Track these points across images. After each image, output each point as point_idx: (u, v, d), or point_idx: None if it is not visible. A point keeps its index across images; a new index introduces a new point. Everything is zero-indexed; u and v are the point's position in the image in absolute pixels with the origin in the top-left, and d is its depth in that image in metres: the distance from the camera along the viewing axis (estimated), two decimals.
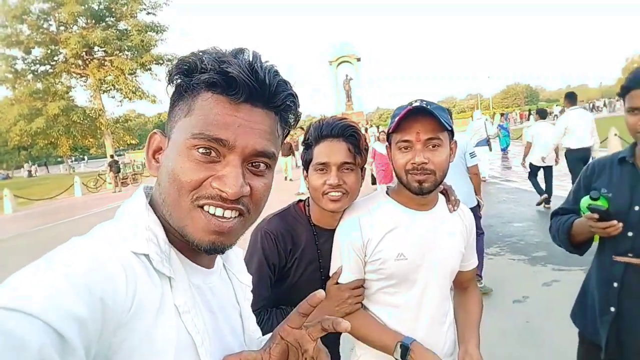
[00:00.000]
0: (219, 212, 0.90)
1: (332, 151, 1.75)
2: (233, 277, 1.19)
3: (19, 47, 30.39)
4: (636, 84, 1.91)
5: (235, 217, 0.93)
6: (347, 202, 1.78)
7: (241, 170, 0.90)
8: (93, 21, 32.02)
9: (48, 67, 32.53)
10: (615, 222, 1.91)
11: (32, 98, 30.72)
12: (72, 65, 32.15)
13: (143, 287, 0.80)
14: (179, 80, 0.92)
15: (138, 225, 0.89)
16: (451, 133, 1.72)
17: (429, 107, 1.60)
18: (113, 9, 32.40)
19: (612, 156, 2.19)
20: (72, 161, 60.48)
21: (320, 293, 0.98)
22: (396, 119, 1.64)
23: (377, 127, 29.52)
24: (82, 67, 32.53)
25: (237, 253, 1.28)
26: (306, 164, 1.87)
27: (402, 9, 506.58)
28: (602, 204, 2.00)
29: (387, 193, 1.89)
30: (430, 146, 1.64)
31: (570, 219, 2.21)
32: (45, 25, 31.16)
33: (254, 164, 0.95)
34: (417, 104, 1.63)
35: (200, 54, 0.91)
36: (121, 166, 29.63)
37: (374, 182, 11.41)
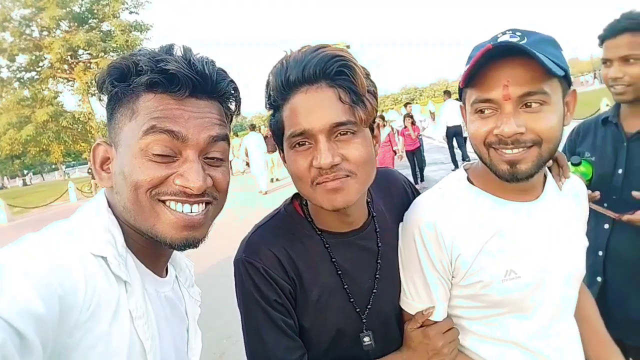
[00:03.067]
0: (186, 208, 0.92)
1: (311, 108, 1.06)
2: (184, 290, 1.18)
3: (2, 55, 30.04)
4: (610, 33, 1.81)
5: (203, 210, 0.94)
6: (358, 188, 1.11)
7: (200, 165, 0.91)
8: (75, 24, 31.64)
9: (34, 73, 32.24)
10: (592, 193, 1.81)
11: (20, 106, 30.49)
12: (57, 70, 31.80)
13: (101, 289, 0.80)
14: (114, 89, 0.91)
15: (97, 226, 0.88)
16: (566, 78, 1.12)
17: (521, 41, 1.05)
18: (95, 10, 31.99)
19: (597, 117, 2.09)
20: (66, 167, 60.12)
21: None
22: (467, 67, 1.09)
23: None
24: (68, 72, 32.18)
25: (189, 265, 1.27)
26: (277, 137, 1.19)
27: None
28: (584, 168, 1.92)
29: (468, 180, 1.32)
30: (525, 105, 1.08)
31: None
32: (27, 32, 30.79)
33: (208, 157, 0.96)
34: (506, 37, 1.09)
35: (132, 56, 0.91)
36: None
37: None
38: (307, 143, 1.08)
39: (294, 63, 1.08)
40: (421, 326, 1.27)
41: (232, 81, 1.01)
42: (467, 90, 1.18)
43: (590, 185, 1.88)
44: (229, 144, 1.02)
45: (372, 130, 1.16)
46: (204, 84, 0.93)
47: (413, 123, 12.03)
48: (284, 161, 1.20)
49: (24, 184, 60.82)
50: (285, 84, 1.09)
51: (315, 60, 1.05)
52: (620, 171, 1.88)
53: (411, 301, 1.30)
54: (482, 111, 1.13)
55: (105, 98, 0.96)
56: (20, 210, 21.88)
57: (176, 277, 1.16)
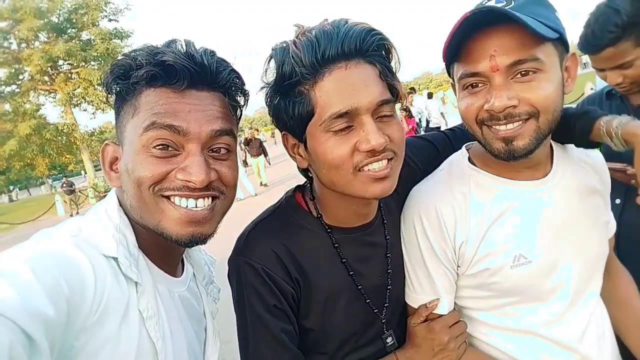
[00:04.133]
0: (191, 203, 0.90)
1: (355, 85, 0.95)
2: (201, 288, 1.16)
3: None
4: (587, 50, 1.74)
5: (209, 204, 0.93)
6: (398, 172, 1.07)
7: (203, 158, 0.90)
8: (54, 34, 31.22)
9: (14, 87, 31.78)
10: None
11: (2, 121, 30.18)
12: (38, 82, 31.40)
13: (111, 291, 0.81)
14: (118, 87, 0.92)
15: (109, 226, 0.89)
16: (562, 41, 1.03)
17: (507, 5, 0.96)
18: (74, 20, 31.57)
19: (601, 91, 2.03)
20: (52, 181, 59.50)
21: None
22: (446, 39, 1.02)
23: None
24: (49, 83, 31.76)
25: (209, 261, 1.25)
26: (298, 125, 1.03)
27: None
28: None
29: (469, 160, 1.24)
30: (519, 74, 1.00)
31: None
32: (5, 44, 30.34)
33: (214, 150, 0.95)
34: (491, 3, 0.99)
35: (132, 52, 0.92)
36: (91, 188, 25.16)
37: None
38: (350, 125, 0.97)
39: (327, 37, 0.96)
40: (425, 320, 1.20)
41: (233, 70, 0.98)
42: (454, 65, 1.09)
43: None
44: (235, 138, 0.98)
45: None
46: (203, 74, 0.91)
47: (410, 116, 11.88)
48: (295, 154, 1.09)
49: (10, 200, 60.04)
50: (319, 60, 0.95)
51: (354, 34, 0.95)
52: None
53: (414, 294, 1.23)
54: (471, 86, 1.05)
55: (112, 99, 0.97)
56: (7, 226, 21.63)
57: (194, 274, 1.14)
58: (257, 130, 19.21)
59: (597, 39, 1.65)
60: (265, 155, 16.16)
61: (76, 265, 0.76)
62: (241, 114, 1.06)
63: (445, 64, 1.14)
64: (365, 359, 1.18)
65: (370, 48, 0.97)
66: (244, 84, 1.03)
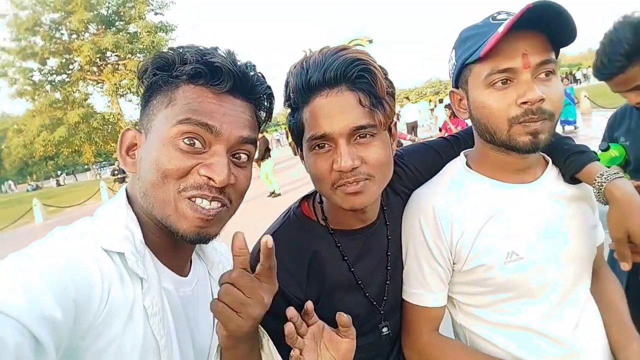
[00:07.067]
0: (205, 203, 0.91)
1: (331, 112, 1.05)
2: (215, 289, 1.13)
3: (34, 58, 31.03)
4: (600, 78, 1.82)
5: (219, 207, 0.94)
6: (376, 190, 1.12)
7: (227, 160, 0.92)
8: (103, 27, 32.34)
9: (64, 76, 33.17)
10: None
11: (52, 108, 31.46)
12: (87, 73, 32.65)
13: (116, 292, 0.80)
14: (155, 76, 0.93)
15: (116, 223, 0.90)
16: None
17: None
18: (122, 12, 32.66)
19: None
20: (98, 167, 61.63)
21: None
22: (493, 37, 1.05)
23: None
24: (97, 74, 32.98)
25: (224, 261, 1.25)
26: (297, 137, 1.18)
27: None
28: (614, 153, 2.00)
29: (467, 164, 1.33)
30: (544, 74, 1.08)
31: None
32: (57, 35, 31.60)
33: (235, 155, 0.97)
34: (502, 16, 1.10)
35: (179, 48, 0.94)
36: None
37: None
38: (326, 145, 1.08)
39: (314, 65, 1.07)
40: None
41: (269, 87, 1.03)
42: (474, 66, 1.14)
43: (624, 167, 1.93)
44: (256, 147, 1.02)
45: (389, 130, 1.16)
46: (245, 82, 0.95)
47: (454, 115, 10.64)
48: (302, 159, 1.20)
49: (58, 184, 62.40)
50: (305, 86, 1.07)
51: (337, 64, 1.04)
52: None
53: (406, 287, 1.32)
54: (501, 82, 1.09)
55: (142, 87, 0.98)
56: (55, 209, 22.44)
57: (209, 272, 1.16)
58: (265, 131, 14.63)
59: (606, 68, 1.73)
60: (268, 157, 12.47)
61: (84, 266, 0.77)
62: (259, 129, 1.10)
63: (462, 66, 1.18)
64: (364, 346, 1.23)
65: (352, 76, 1.04)
66: (273, 102, 1.08)
